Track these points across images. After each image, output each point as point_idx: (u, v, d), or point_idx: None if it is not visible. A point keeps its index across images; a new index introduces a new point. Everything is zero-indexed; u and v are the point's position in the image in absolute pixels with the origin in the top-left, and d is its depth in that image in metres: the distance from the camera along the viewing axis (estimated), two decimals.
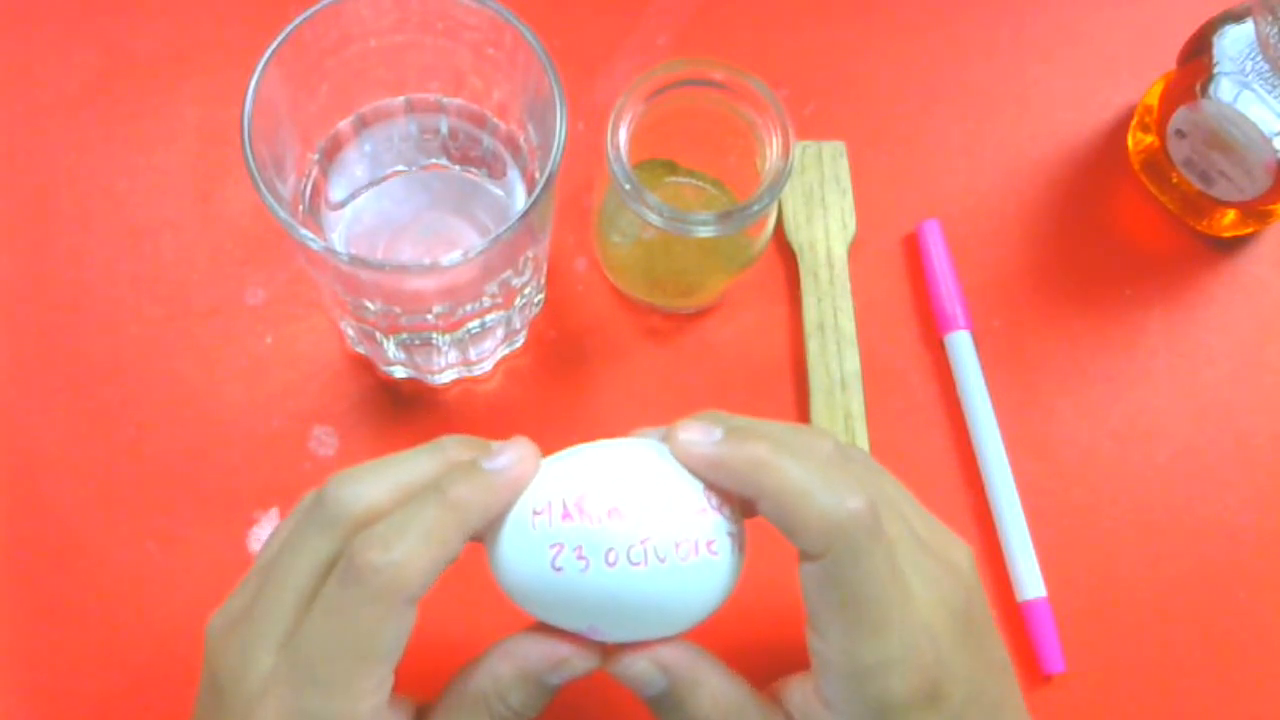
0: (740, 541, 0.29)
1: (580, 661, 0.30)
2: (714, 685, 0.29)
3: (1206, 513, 0.44)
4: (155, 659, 0.40)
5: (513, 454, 0.29)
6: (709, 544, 0.28)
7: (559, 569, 0.28)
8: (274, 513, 0.42)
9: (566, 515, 0.28)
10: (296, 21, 0.34)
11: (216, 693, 0.28)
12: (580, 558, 0.28)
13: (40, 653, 0.40)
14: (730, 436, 0.29)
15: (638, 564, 0.27)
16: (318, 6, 0.34)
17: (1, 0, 0.48)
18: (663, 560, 0.28)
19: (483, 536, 0.30)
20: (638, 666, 0.29)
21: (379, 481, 0.28)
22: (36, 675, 0.40)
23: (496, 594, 0.30)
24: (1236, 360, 0.46)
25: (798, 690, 0.30)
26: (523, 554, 0.28)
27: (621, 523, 0.28)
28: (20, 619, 0.40)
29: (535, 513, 0.28)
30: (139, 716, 0.39)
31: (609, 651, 0.30)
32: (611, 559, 0.27)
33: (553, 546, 0.28)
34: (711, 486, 0.29)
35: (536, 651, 0.29)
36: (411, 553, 0.27)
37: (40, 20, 0.48)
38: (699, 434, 0.29)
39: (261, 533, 0.41)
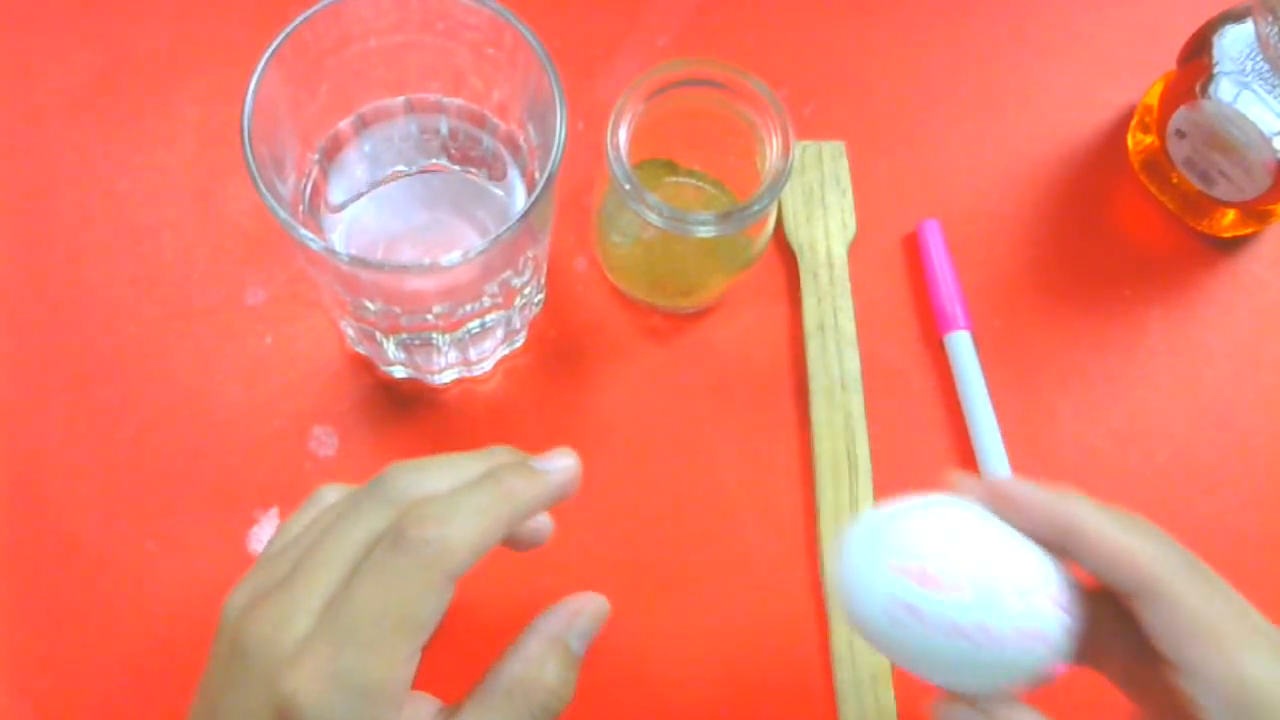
0: (1074, 631, 0.30)
1: (592, 611, 0.31)
2: None
3: (1206, 513, 0.44)
4: (155, 659, 0.40)
5: (562, 461, 0.31)
6: (1043, 634, 0.29)
7: (896, 620, 0.29)
8: (274, 513, 0.42)
9: (917, 577, 0.29)
10: (296, 21, 0.34)
11: (240, 661, 0.28)
12: (918, 619, 0.29)
13: (40, 653, 0.40)
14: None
15: (970, 635, 0.29)
16: (318, 6, 0.35)
17: (2, 0, 0.48)
18: (998, 641, 0.29)
19: (515, 539, 0.32)
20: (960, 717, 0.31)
21: (438, 474, 0.30)
22: (36, 675, 0.40)
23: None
24: (1236, 360, 0.46)
25: None
26: (868, 592, 0.30)
27: (961, 595, 0.29)
28: (20, 619, 0.40)
29: (891, 562, 0.30)
30: (139, 716, 0.39)
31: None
32: (947, 626, 0.29)
33: (894, 599, 0.29)
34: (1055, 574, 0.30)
35: (554, 618, 0.31)
36: (462, 530, 0.28)
37: (40, 20, 0.48)
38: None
39: (261, 532, 0.41)
